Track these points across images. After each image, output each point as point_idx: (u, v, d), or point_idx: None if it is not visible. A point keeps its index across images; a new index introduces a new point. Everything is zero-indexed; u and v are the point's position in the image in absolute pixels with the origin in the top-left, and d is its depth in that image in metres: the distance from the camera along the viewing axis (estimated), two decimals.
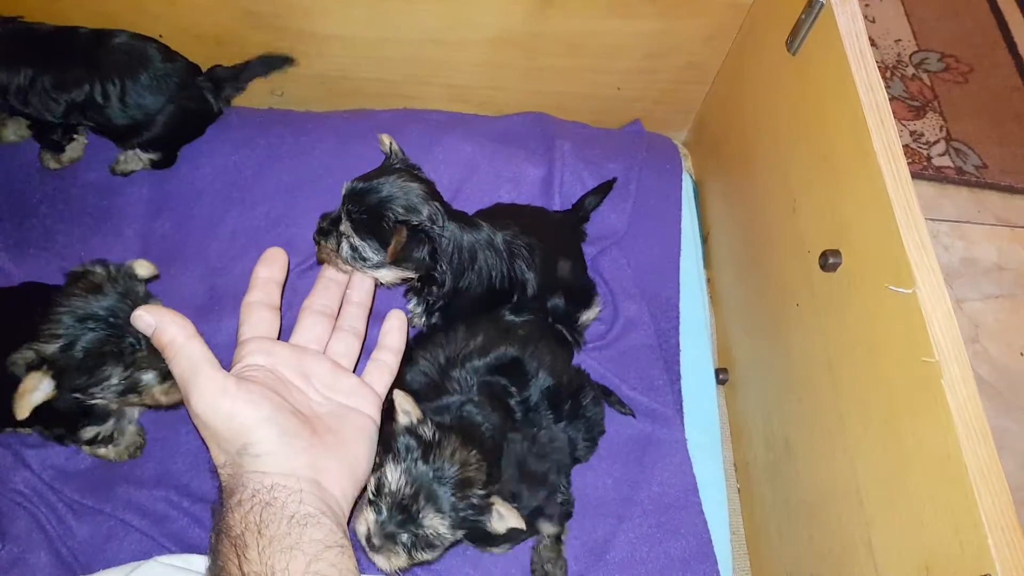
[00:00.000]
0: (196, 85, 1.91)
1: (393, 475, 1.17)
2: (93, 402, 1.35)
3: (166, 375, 1.28)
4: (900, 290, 1.21)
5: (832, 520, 1.42)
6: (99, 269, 1.29)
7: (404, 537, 1.18)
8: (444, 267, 1.47)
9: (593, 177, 2.01)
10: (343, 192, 1.42)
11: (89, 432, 1.51)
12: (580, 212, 1.94)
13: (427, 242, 1.43)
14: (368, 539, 1.19)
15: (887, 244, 1.26)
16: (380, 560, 1.19)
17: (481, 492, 1.21)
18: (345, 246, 1.38)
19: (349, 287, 1.28)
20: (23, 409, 1.22)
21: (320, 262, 1.45)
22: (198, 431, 0.97)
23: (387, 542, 1.18)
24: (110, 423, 1.51)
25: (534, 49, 1.96)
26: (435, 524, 1.16)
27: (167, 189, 1.90)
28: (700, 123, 2.22)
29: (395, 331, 1.24)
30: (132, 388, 1.31)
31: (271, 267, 1.24)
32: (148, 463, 1.62)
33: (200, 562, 1.36)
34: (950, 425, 1.10)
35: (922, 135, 2.86)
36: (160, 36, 1.90)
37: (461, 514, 1.18)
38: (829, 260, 1.40)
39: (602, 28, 1.92)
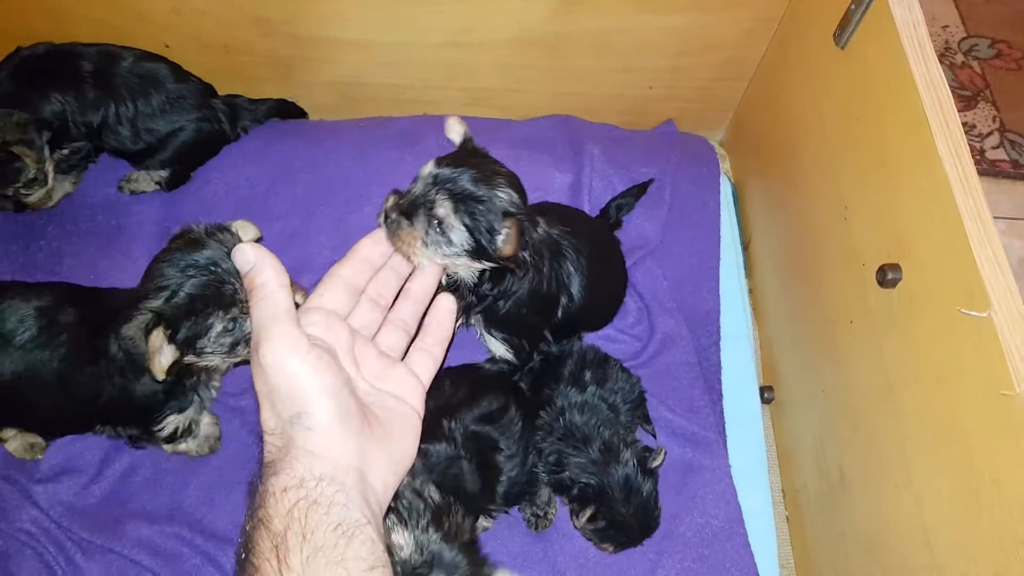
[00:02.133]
0: (211, 107, 1.85)
1: (400, 538, 1.12)
2: (203, 363, 1.34)
3: None
4: (973, 313, 1.08)
5: (895, 561, 1.30)
6: (197, 226, 1.30)
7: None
8: (527, 263, 1.36)
9: (624, 183, 1.90)
10: (426, 173, 1.25)
11: (170, 424, 1.48)
12: (611, 218, 1.82)
13: (527, 235, 1.31)
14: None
15: (955, 259, 1.13)
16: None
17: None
18: (433, 231, 1.21)
19: (411, 279, 1.14)
20: (159, 370, 1.24)
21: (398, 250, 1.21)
22: (254, 388, 0.87)
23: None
24: (189, 411, 1.49)
25: (558, 49, 1.85)
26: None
27: (177, 207, 1.83)
28: (738, 122, 2.09)
29: (445, 319, 1.09)
30: (239, 340, 1.31)
31: (378, 247, 1.11)
32: (160, 496, 1.55)
33: None
34: None
35: (974, 127, 2.69)
36: (167, 46, 1.83)
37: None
38: (888, 275, 1.27)
39: (631, 24, 1.80)
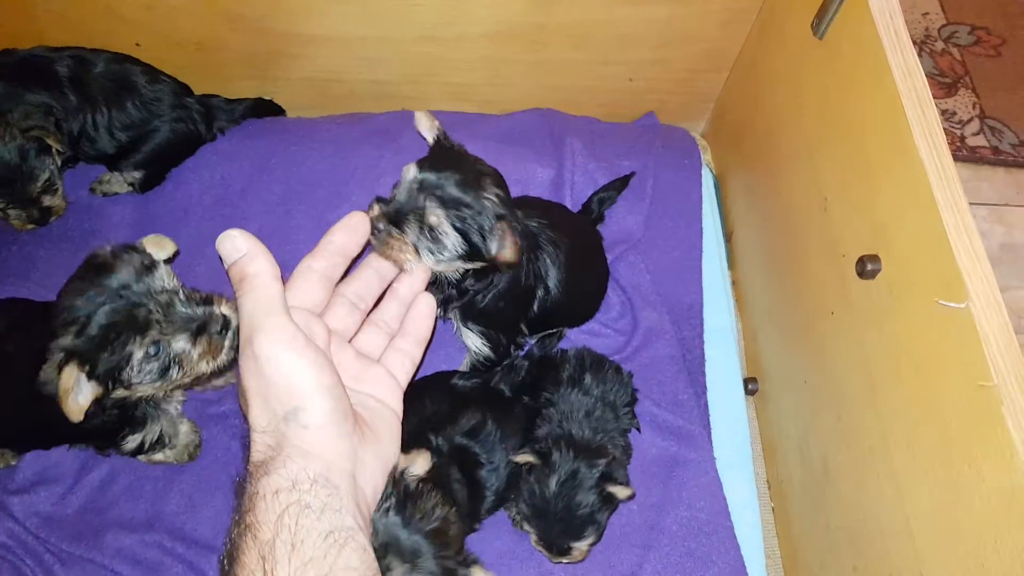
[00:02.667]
0: (186, 107, 1.82)
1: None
2: (138, 394, 1.28)
3: (197, 334, 1.24)
4: (951, 304, 1.07)
5: (878, 551, 1.30)
6: (104, 249, 1.24)
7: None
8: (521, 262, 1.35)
9: (606, 176, 1.89)
10: (410, 179, 1.22)
11: (131, 442, 1.44)
12: (593, 212, 1.81)
13: (521, 236, 1.29)
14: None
15: (933, 250, 1.12)
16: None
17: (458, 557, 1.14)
18: (424, 238, 1.20)
19: (399, 280, 1.09)
20: (74, 412, 1.18)
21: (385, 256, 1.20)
22: (241, 385, 0.83)
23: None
24: (153, 427, 1.45)
25: (538, 42, 1.84)
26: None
27: (152, 208, 1.81)
28: (719, 113, 2.08)
29: (424, 318, 1.05)
30: (168, 364, 1.24)
31: (351, 235, 1.02)
32: (140, 503, 1.53)
33: None
34: (1014, 458, 0.97)
35: (954, 114, 2.69)
36: (137, 45, 1.80)
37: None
38: (867, 267, 1.27)
39: (611, 17, 1.79)
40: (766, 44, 1.77)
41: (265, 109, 1.98)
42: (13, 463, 1.54)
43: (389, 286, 1.10)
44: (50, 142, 1.63)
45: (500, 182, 1.29)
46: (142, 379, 1.24)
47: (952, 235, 1.10)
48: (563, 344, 1.72)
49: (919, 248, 1.17)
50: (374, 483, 0.89)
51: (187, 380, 1.30)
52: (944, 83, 2.77)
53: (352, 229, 1.02)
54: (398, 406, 0.98)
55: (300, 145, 1.88)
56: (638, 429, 1.61)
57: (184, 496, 1.53)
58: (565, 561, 1.44)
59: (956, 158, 2.54)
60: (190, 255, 1.69)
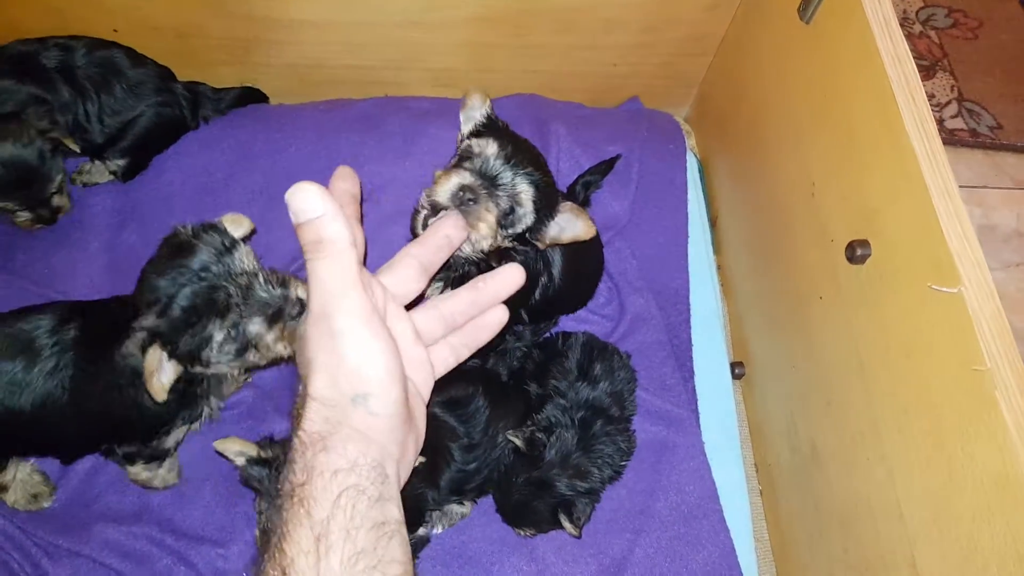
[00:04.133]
0: (172, 91, 1.79)
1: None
2: (212, 372, 1.29)
3: (273, 319, 1.25)
4: (944, 289, 1.08)
5: (869, 533, 1.31)
6: (183, 228, 1.25)
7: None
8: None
9: (591, 161, 1.87)
10: (492, 154, 1.21)
11: (174, 435, 1.44)
12: (579, 197, 1.80)
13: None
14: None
15: (923, 235, 1.13)
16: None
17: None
18: (504, 211, 1.21)
19: (491, 277, 1.00)
20: (159, 392, 1.20)
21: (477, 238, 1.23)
22: (305, 355, 0.79)
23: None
24: (196, 423, 1.46)
25: (522, 26, 1.82)
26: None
27: (133, 197, 1.77)
28: (703, 97, 2.07)
29: (489, 329, 1.00)
30: (246, 345, 1.25)
31: (349, 181, 0.96)
32: (127, 495, 1.51)
33: None
34: (1006, 439, 0.99)
35: (932, 96, 2.71)
36: (115, 31, 1.75)
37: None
38: (857, 252, 1.27)
39: (595, 1, 1.77)
40: (751, 28, 1.76)
41: (252, 98, 1.94)
42: (46, 505, 1.50)
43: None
44: (67, 143, 1.61)
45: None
46: (220, 359, 1.25)
47: (944, 220, 1.11)
48: (555, 329, 1.71)
49: (910, 233, 1.18)
50: (408, 470, 0.87)
51: (263, 362, 1.31)
52: (922, 66, 2.79)
53: (348, 175, 0.96)
54: (427, 394, 0.94)
55: (282, 132, 1.85)
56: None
57: (172, 488, 1.51)
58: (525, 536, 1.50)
59: None
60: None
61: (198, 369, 1.26)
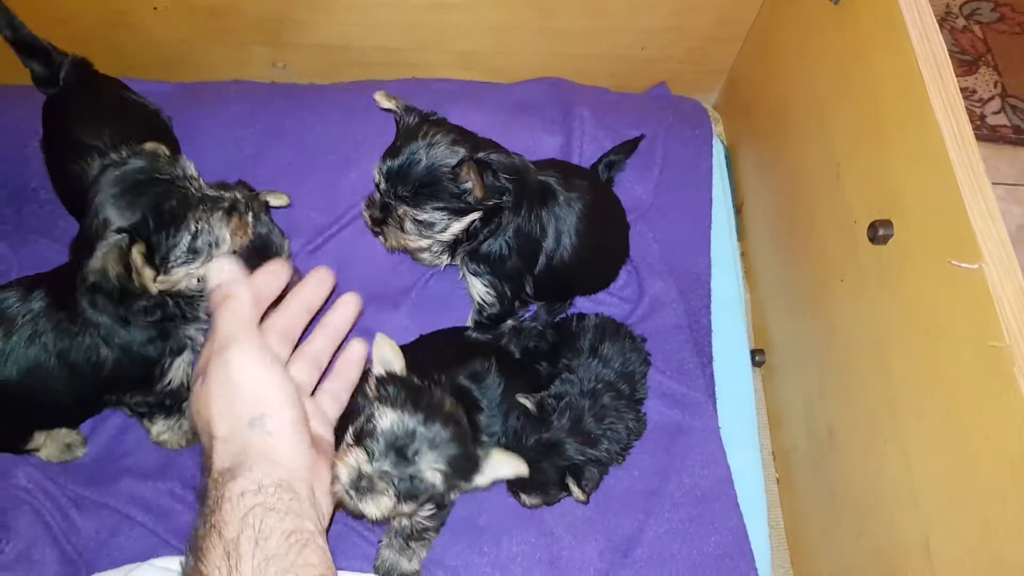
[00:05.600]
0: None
1: (386, 417, 1.10)
2: (172, 281, 1.31)
3: (230, 212, 1.33)
4: (964, 265, 1.06)
5: (884, 518, 1.29)
6: (119, 157, 1.32)
7: (396, 480, 1.09)
8: (507, 188, 1.41)
9: (615, 145, 1.86)
10: (379, 175, 1.39)
11: (177, 371, 1.45)
12: (601, 178, 1.79)
13: (487, 168, 1.37)
14: (356, 483, 1.07)
15: (947, 213, 1.11)
16: (368, 505, 1.08)
17: (472, 446, 1.18)
18: (409, 224, 1.40)
19: (331, 312, 1.14)
20: (152, 284, 1.25)
21: (391, 250, 1.50)
22: (200, 398, 0.90)
23: (379, 483, 1.08)
24: (187, 354, 1.46)
25: (548, 9, 1.82)
26: (430, 468, 1.11)
27: None
28: (731, 84, 2.06)
29: (355, 364, 1.15)
30: (209, 243, 1.31)
31: (277, 279, 1.11)
32: (153, 453, 1.55)
33: None
34: None
35: (974, 92, 2.66)
36: (155, 8, 1.80)
37: (453, 465, 1.13)
38: (879, 231, 1.26)
39: None
40: (781, 12, 1.74)
41: None
42: (80, 454, 1.54)
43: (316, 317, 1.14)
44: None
45: (446, 129, 1.39)
46: (180, 261, 1.30)
47: (967, 197, 1.09)
48: (570, 310, 1.71)
49: (933, 211, 1.16)
50: (326, 500, 0.96)
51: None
52: (965, 61, 2.73)
53: (278, 272, 1.12)
54: (331, 437, 1.06)
55: (310, 111, 1.88)
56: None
57: (195, 448, 1.54)
58: (529, 505, 1.47)
59: (976, 137, 2.53)
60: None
61: (160, 280, 1.28)
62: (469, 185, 1.35)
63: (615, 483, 1.53)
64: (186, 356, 1.47)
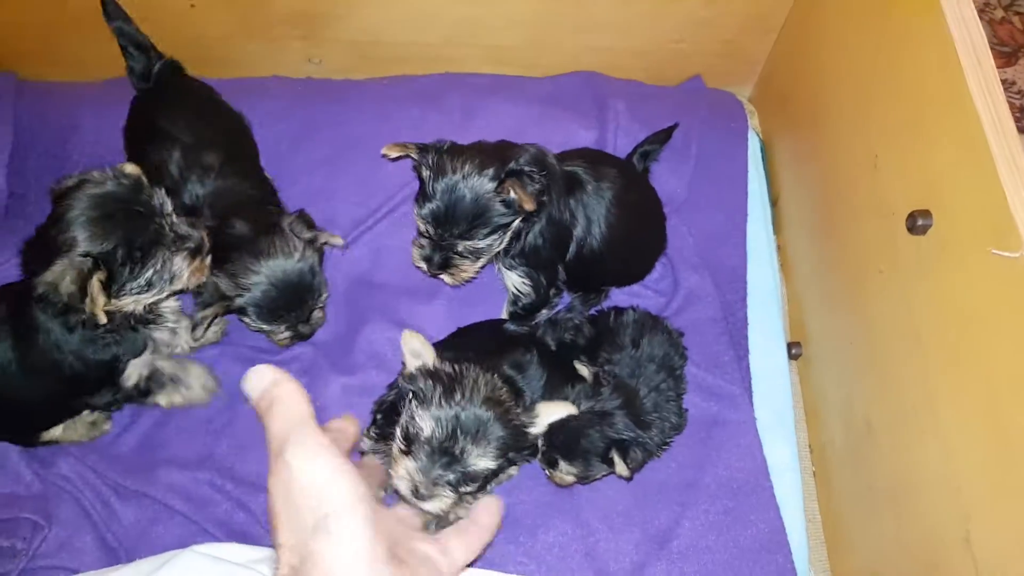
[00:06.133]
0: None
1: (426, 422, 1.12)
2: (123, 308, 1.36)
3: (193, 254, 1.38)
4: (1005, 254, 1.05)
5: (923, 510, 1.28)
6: (97, 174, 1.34)
7: (451, 477, 1.13)
8: (546, 186, 1.43)
9: None
10: (424, 222, 1.43)
11: (132, 372, 1.47)
12: (637, 169, 1.79)
13: (525, 176, 1.39)
14: (416, 492, 1.11)
15: (987, 202, 1.10)
16: (431, 506, 1.12)
17: (518, 410, 1.19)
18: (467, 261, 1.46)
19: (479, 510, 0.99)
20: (102, 313, 1.27)
21: (455, 285, 1.55)
22: (270, 506, 0.77)
23: (436, 487, 1.12)
24: (147, 356, 1.49)
25: (582, 2, 1.82)
26: (479, 458, 1.13)
27: None
28: (767, 77, 2.04)
29: (486, 513, 0.96)
30: (166, 278, 1.37)
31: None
32: (192, 444, 1.58)
33: (238, 552, 1.32)
34: None
35: (1014, 83, 2.61)
36: (192, 6, 1.83)
37: (502, 445, 1.15)
38: (918, 222, 1.25)
39: None
40: (816, 2, 1.73)
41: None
42: (107, 427, 1.58)
43: None
44: (333, 242, 1.61)
45: (484, 154, 1.40)
46: (133, 290, 1.34)
47: (1007, 185, 1.07)
48: (606, 304, 1.72)
49: (973, 200, 1.15)
50: None
51: (163, 296, 1.41)
52: (1004, 52, 2.68)
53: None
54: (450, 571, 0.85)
55: (345, 105, 1.90)
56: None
57: (235, 438, 1.57)
58: (547, 473, 1.46)
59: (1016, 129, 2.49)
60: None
61: (111, 303, 1.32)
62: (514, 196, 1.37)
63: (651, 475, 1.54)
64: (145, 356, 1.49)
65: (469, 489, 1.16)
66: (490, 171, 1.38)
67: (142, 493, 1.50)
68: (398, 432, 1.17)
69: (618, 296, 1.74)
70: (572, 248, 1.55)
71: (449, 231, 1.40)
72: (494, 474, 1.20)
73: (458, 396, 1.14)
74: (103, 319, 1.27)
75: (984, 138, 1.11)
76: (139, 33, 1.73)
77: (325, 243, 1.58)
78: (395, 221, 1.79)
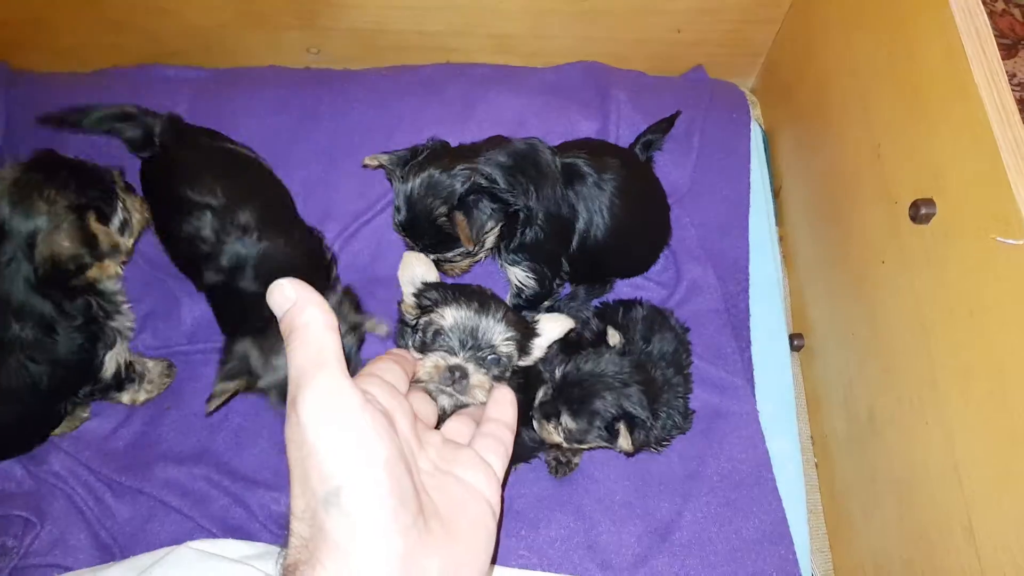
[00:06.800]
0: None
1: (446, 316, 1.15)
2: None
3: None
4: (1010, 241, 1.04)
5: (926, 500, 1.28)
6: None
7: (482, 361, 1.15)
8: (518, 193, 1.42)
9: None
10: (397, 231, 1.47)
11: (110, 363, 1.49)
12: (640, 159, 1.77)
13: (484, 197, 1.39)
14: (450, 377, 1.10)
15: (991, 190, 1.09)
16: (467, 391, 1.10)
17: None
18: (456, 260, 1.50)
19: (493, 401, 0.92)
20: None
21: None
22: (287, 457, 0.64)
23: (470, 367, 1.12)
24: (119, 346, 1.51)
25: None
26: (503, 342, 1.16)
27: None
28: (769, 67, 2.03)
29: (506, 403, 0.89)
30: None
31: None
32: (188, 439, 1.57)
33: (233, 547, 1.31)
34: None
35: (1014, 76, 2.59)
36: None
37: (519, 330, 1.18)
38: (921, 211, 1.24)
39: None
40: None
41: None
42: (85, 415, 1.58)
43: None
44: None
45: (440, 160, 1.41)
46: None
47: (1012, 173, 1.07)
48: (610, 296, 1.71)
49: (977, 188, 1.14)
50: None
51: (136, 237, 1.58)
52: (1004, 44, 2.67)
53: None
54: (494, 497, 0.75)
55: (346, 95, 1.88)
56: None
57: (231, 433, 1.57)
58: (547, 431, 1.38)
59: None
60: None
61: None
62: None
63: (653, 467, 1.53)
64: (119, 347, 1.51)
65: (496, 372, 1.17)
66: (444, 194, 1.39)
67: (137, 489, 1.49)
68: (417, 338, 1.18)
69: (621, 288, 1.73)
70: (575, 240, 1.54)
71: (419, 243, 1.45)
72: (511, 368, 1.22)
73: (469, 296, 1.18)
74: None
75: (988, 126, 1.10)
76: (118, 108, 1.62)
77: (369, 330, 1.55)
78: None
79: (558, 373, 1.38)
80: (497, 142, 1.48)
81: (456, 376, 1.10)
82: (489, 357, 1.15)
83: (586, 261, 1.58)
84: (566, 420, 1.34)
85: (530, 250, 1.51)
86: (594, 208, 1.52)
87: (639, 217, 1.64)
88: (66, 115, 1.60)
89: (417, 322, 1.19)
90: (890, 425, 1.39)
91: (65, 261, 1.32)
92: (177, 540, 1.37)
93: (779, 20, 1.89)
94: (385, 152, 1.46)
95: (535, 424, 1.40)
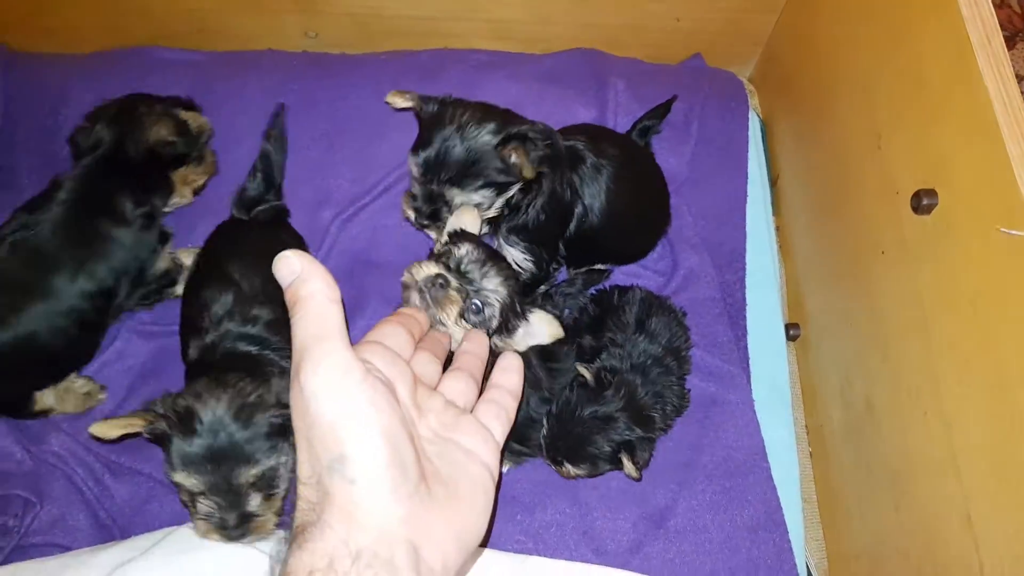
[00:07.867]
0: None
1: (462, 246, 1.18)
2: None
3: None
4: (1014, 232, 1.04)
5: (923, 490, 1.28)
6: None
7: (468, 293, 1.14)
8: (548, 157, 1.41)
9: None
10: (416, 167, 1.38)
11: (163, 262, 1.63)
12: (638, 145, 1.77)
13: (529, 142, 1.37)
14: (433, 280, 1.10)
15: (995, 180, 1.09)
16: (440, 310, 1.08)
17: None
18: (469, 305, 1.34)
19: (467, 339, 0.98)
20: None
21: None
22: (292, 424, 0.68)
23: (452, 290, 1.11)
24: (169, 244, 1.66)
25: None
26: (494, 292, 1.17)
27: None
28: (768, 56, 2.03)
29: (513, 371, 0.91)
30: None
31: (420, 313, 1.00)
32: None
33: None
34: None
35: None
36: None
37: (511, 295, 1.18)
38: (923, 201, 1.24)
39: None
40: None
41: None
42: (103, 397, 1.57)
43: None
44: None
45: (487, 112, 1.38)
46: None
47: (1016, 162, 1.07)
48: (607, 283, 1.70)
49: (980, 179, 1.14)
50: (444, 555, 0.68)
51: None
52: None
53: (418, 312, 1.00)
54: (493, 462, 0.78)
55: (344, 80, 1.87)
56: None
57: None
58: (563, 473, 1.44)
59: None
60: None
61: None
62: (515, 160, 1.34)
63: None
64: (169, 245, 1.65)
65: (474, 319, 1.16)
66: (492, 126, 1.36)
67: (136, 470, 1.48)
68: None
69: (617, 276, 1.73)
70: (573, 224, 1.53)
71: (438, 176, 1.37)
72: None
73: (490, 252, 1.21)
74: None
75: (993, 115, 1.10)
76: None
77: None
78: (392, 199, 1.76)
79: (552, 408, 1.42)
80: (514, 116, 1.47)
81: (437, 283, 1.10)
82: (474, 300, 1.14)
83: (582, 245, 1.58)
84: (571, 468, 1.40)
85: (530, 231, 1.50)
86: (593, 193, 1.51)
87: (636, 203, 1.63)
88: None
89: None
90: (888, 415, 1.40)
91: (164, 145, 1.58)
92: (176, 521, 1.36)
93: (779, 9, 1.89)
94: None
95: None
